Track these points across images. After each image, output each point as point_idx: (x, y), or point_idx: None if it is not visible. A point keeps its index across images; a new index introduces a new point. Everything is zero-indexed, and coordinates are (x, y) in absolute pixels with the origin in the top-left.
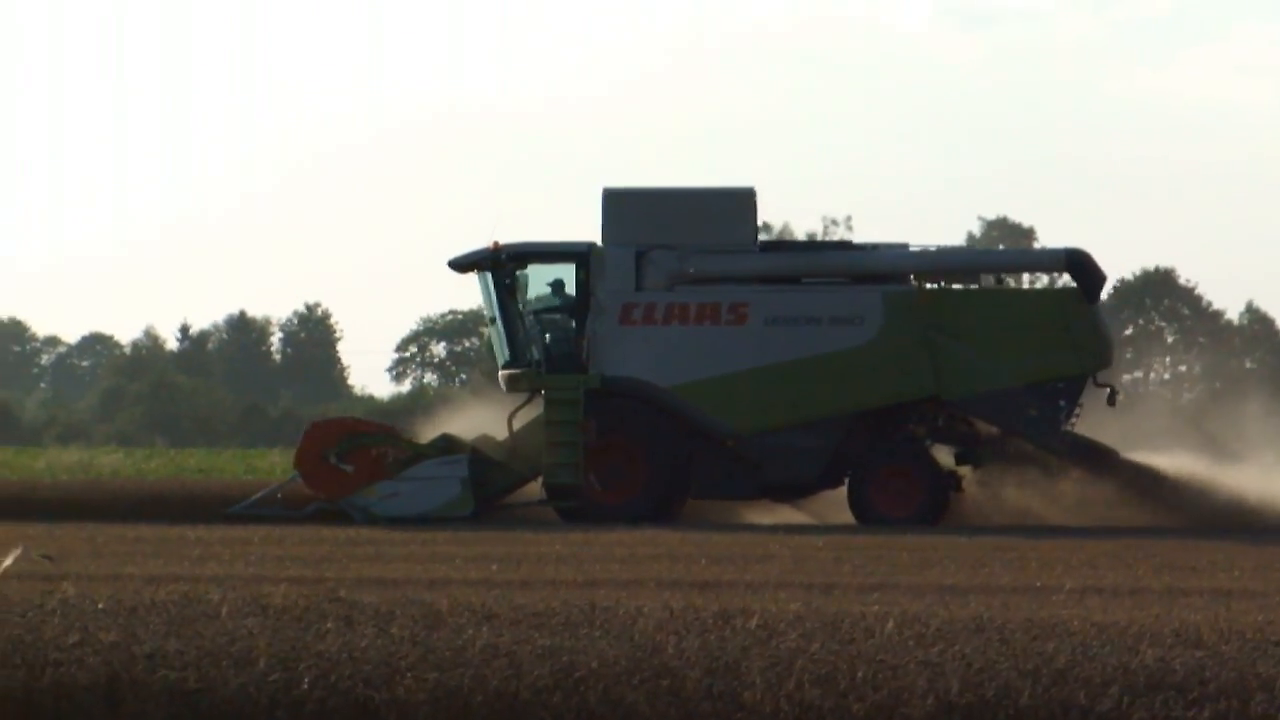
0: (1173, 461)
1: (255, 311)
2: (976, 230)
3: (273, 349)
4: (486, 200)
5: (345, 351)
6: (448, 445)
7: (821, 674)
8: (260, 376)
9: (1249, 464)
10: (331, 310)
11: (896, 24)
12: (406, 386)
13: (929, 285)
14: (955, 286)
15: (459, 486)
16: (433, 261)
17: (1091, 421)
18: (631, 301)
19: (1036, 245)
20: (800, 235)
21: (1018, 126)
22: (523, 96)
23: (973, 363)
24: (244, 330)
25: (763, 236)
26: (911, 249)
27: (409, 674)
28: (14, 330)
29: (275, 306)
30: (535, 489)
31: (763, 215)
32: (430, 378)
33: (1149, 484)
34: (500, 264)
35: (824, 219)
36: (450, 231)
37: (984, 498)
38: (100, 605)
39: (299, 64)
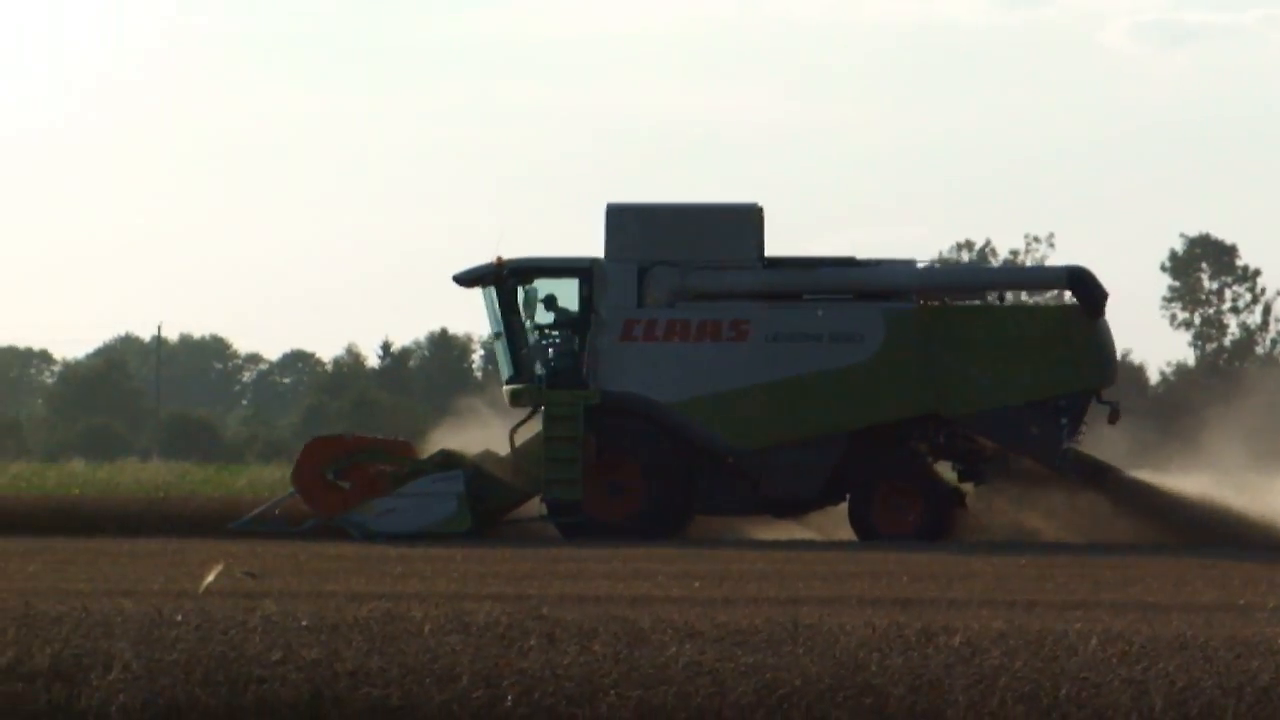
0: (1187, 479)
1: (456, 329)
2: (1179, 247)
3: (474, 366)
4: (499, 214)
5: None
6: (445, 461)
7: (1024, 692)
8: (461, 394)
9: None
10: None
11: (1096, 39)
12: None
13: (931, 302)
14: (956, 303)
15: (455, 502)
16: None
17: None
18: (633, 317)
19: (1239, 263)
20: (1003, 251)
21: (1218, 143)
22: (537, 108)
23: (974, 380)
24: (445, 347)
25: (964, 254)
26: (919, 265)
27: (612, 691)
28: (216, 347)
29: (477, 324)
30: (538, 504)
31: (968, 232)
32: None
33: (1147, 500)
34: (503, 279)
35: (1026, 236)
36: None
37: (985, 514)
38: (303, 622)
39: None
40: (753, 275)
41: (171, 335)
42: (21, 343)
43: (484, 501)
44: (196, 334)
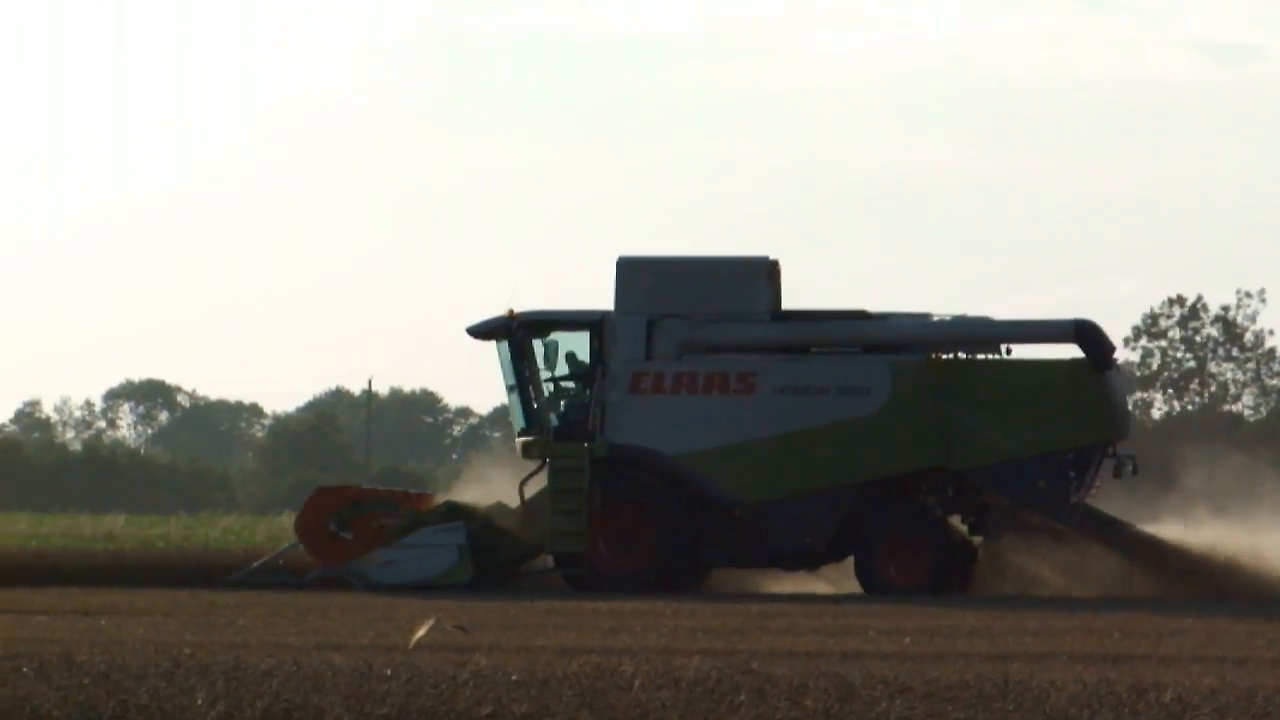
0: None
1: None
2: None
3: None
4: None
5: None
6: (448, 513)
7: None
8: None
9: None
10: None
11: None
12: None
13: (939, 355)
14: (964, 357)
15: (456, 554)
16: None
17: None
18: (641, 370)
19: None
20: (1214, 306)
21: None
22: (561, 160)
23: (982, 433)
24: None
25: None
26: (933, 319)
27: None
28: (426, 402)
29: None
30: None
31: (1179, 287)
32: None
33: (1156, 555)
34: (515, 332)
35: (1238, 291)
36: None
37: (994, 568)
38: (513, 677)
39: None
40: (760, 328)
41: (382, 389)
42: (232, 396)
43: (494, 553)
44: (407, 388)
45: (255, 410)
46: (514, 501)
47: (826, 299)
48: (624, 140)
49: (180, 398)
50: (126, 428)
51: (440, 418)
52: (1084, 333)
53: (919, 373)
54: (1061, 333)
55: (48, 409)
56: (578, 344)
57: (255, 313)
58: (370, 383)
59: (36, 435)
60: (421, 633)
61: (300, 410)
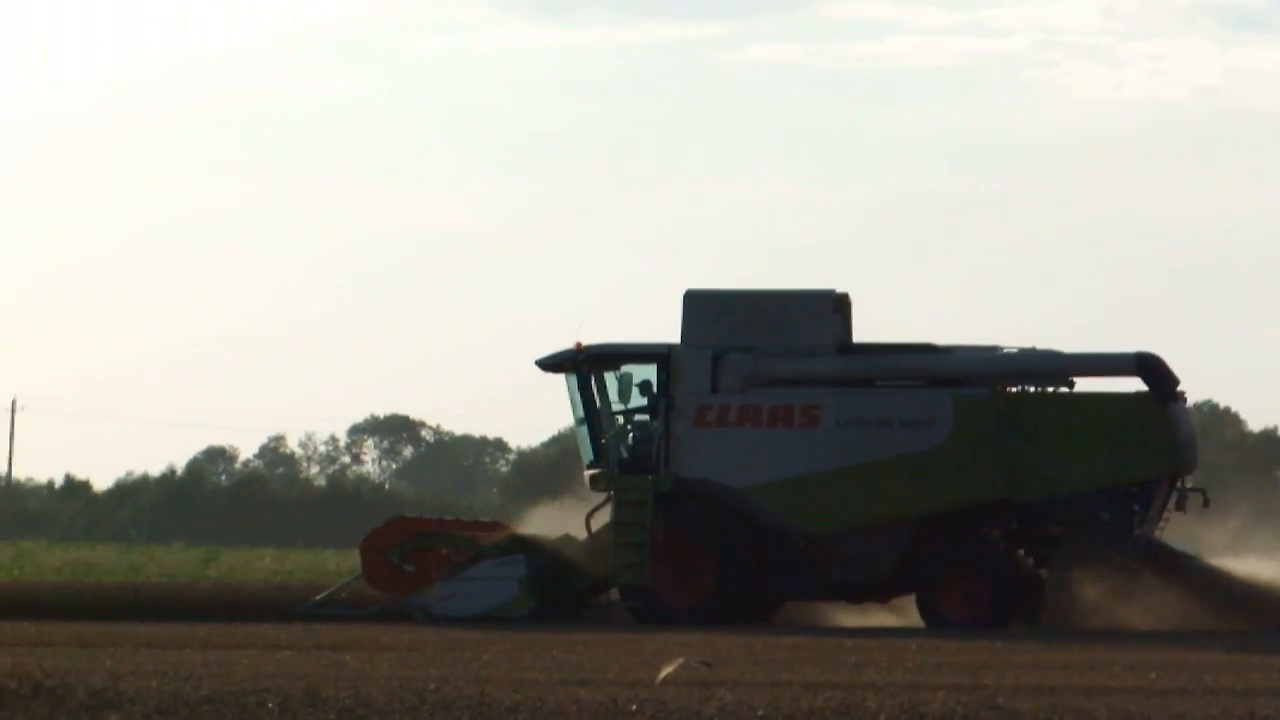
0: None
1: None
2: None
3: None
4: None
5: None
6: (510, 545)
7: None
8: None
9: None
10: None
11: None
12: None
13: (1007, 389)
14: (1028, 390)
15: (516, 587)
16: None
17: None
18: (706, 403)
19: None
20: None
21: None
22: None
23: (1045, 466)
24: None
25: None
26: (1004, 351)
27: None
28: None
29: None
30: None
31: None
32: None
33: (1223, 588)
34: (582, 365)
35: None
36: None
37: (1060, 601)
38: (759, 712)
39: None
40: (825, 361)
41: None
42: (477, 431)
43: (559, 586)
44: None
45: (500, 445)
46: (582, 534)
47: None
48: (855, 177)
49: (424, 433)
50: (371, 463)
51: None
52: (1147, 366)
53: (983, 406)
54: (1125, 366)
55: (292, 444)
56: (645, 377)
57: (500, 348)
58: None
59: (281, 470)
60: (669, 669)
61: (545, 445)
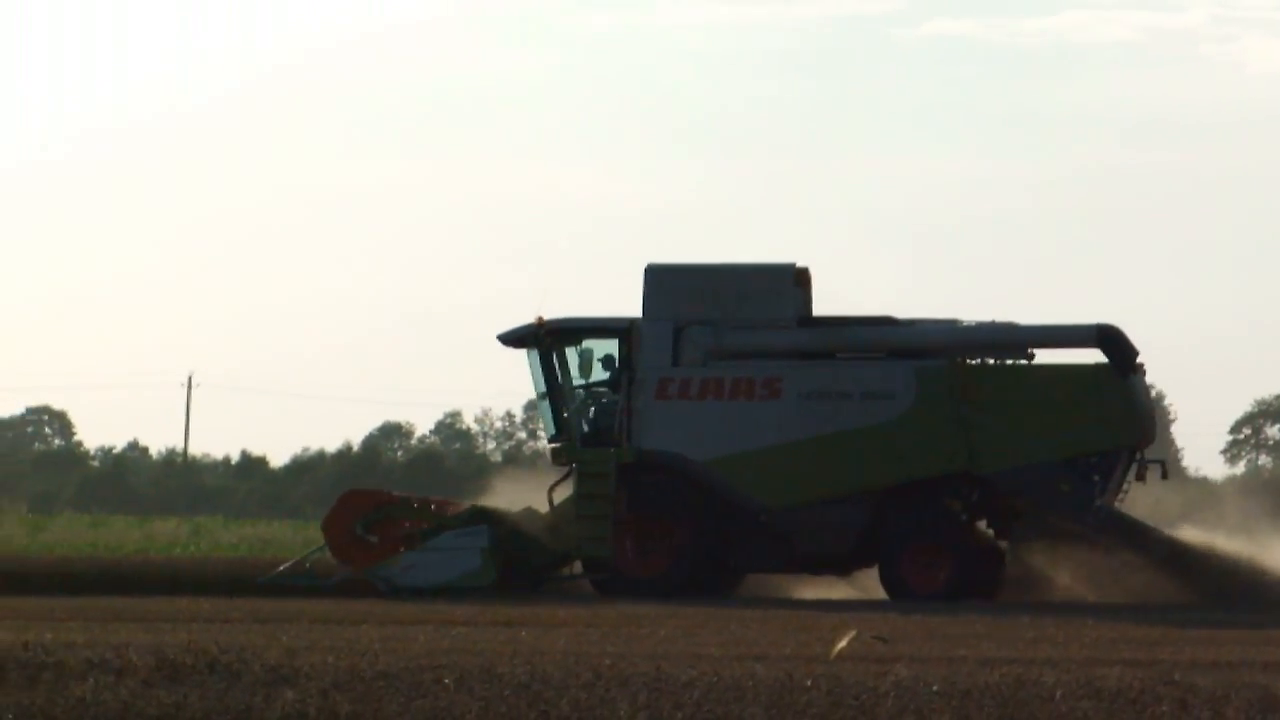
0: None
1: None
2: None
3: None
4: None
5: (1179, 434)
6: (473, 517)
7: None
8: None
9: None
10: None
11: None
12: (1240, 468)
13: (967, 361)
14: (989, 361)
15: (479, 557)
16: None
17: None
18: (668, 376)
19: None
20: None
21: None
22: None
23: (1005, 437)
24: None
25: None
26: (961, 324)
27: None
28: None
29: None
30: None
31: None
32: (1265, 459)
33: (1183, 559)
34: (543, 339)
35: None
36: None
37: (1020, 573)
38: (934, 688)
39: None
40: (786, 334)
41: None
42: None
43: (522, 558)
44: None
45: None
46: (544, 507)
47: None
48: (1030, 152)
49: None
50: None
51: None
52: (1107, 337)
53: (943, 378)
54: (1085, 337)
55: (468, 419)
56: (607, 352)
57: None
58: None
59: (457, 446)
60: (843, 644)
61: None
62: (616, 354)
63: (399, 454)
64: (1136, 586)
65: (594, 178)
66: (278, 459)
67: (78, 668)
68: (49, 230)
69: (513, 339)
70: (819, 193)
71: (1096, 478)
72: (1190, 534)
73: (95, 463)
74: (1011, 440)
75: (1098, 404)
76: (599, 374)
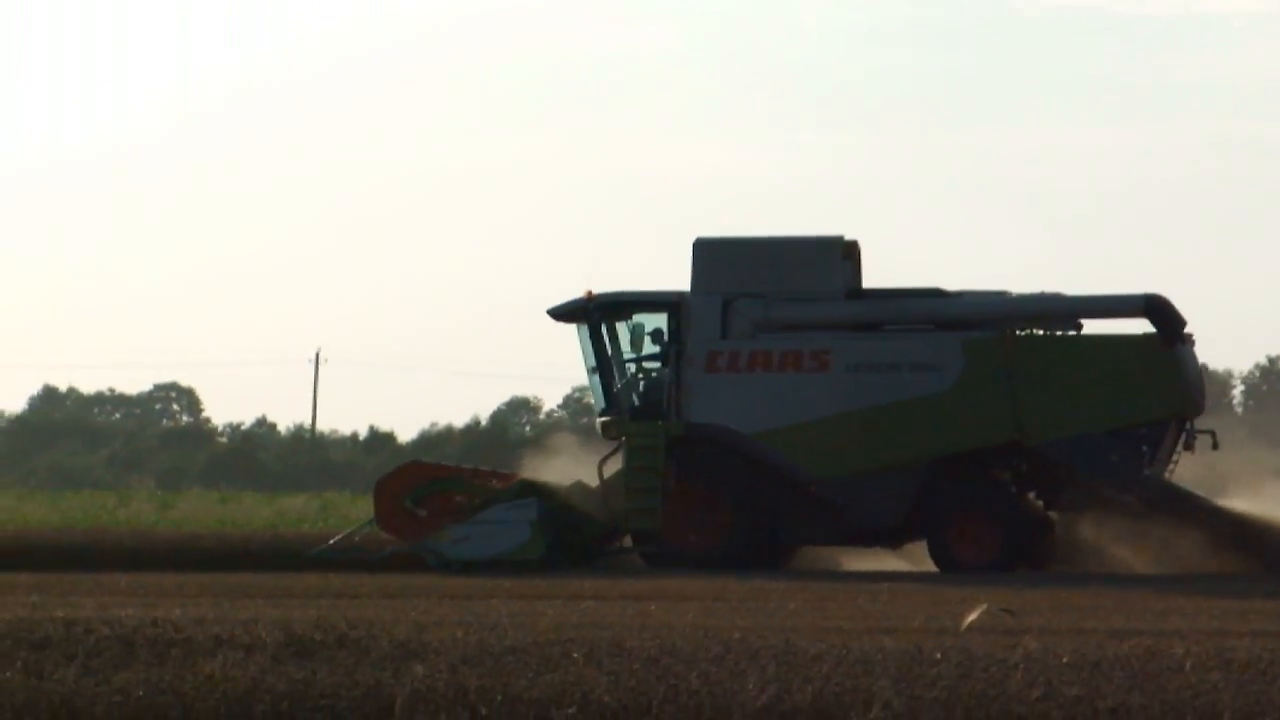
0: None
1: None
2: None
3: (1234, 401)
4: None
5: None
6: (523, 490)
7: None
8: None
9: None
10: None
11: None
12: None
13: (1016, 331)
14: (1037, 332)
15: (528, 530)
16: None
17: None
18: (716, 349)
19: None
20: None
21: None
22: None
23: (1053, 408)
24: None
25: None
26: (1011, 295)
27: None
28: None
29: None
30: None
31: None
32: None
33: (1234, 530)
34: (593, 313)
35: None
36: None
37: (1070, 543)
38: (1064, 659)
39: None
40: (834, 306)
41: None
42: None
43: (572, 531)
44: None
45: None
46: (594, 481)
47: None
48: (1157, 123)
49: None
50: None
51: None
52: (1154, 307)
53: (991, 349)
54: (1133, 307)
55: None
56: (657, 325)
57: None
58: None
59: (585, 420)
60: (973, 616)
61: None
62: (665, 328)
63: (527, 429)
64: (1186, 556)
65: (723, 151)
66: (405, 434)
67: (206, 644)
68: (178, 208)
69: (563, 313)
70: (944, 166)
71: (1145, 448)
72: (1240, 504)
73: (223, 439)
74: (1059, 411)
75: (1145, 374)
76: (649, 348)
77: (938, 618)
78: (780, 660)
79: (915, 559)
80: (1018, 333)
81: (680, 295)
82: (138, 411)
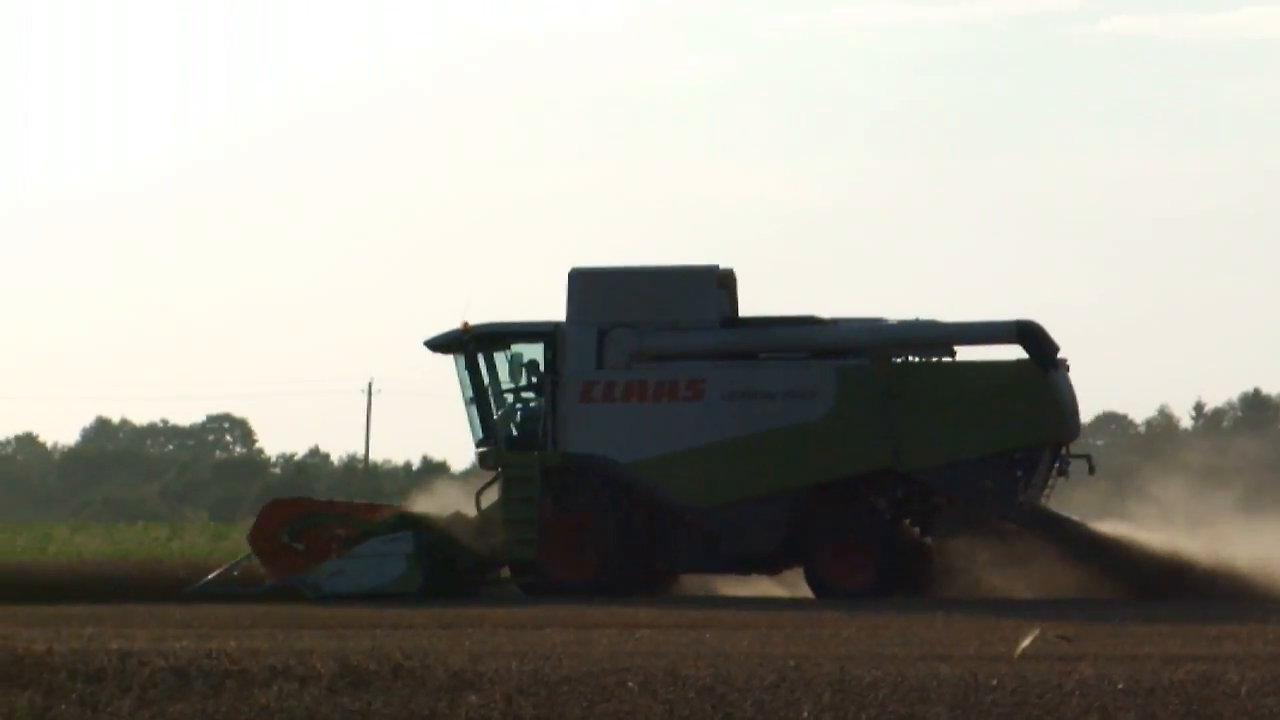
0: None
1: (1270, 389)
2: None
3: None
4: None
5: None
6: (399, 523)
7: None
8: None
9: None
10: None
11: None
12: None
13: (890, 359)
14: (912, 359)
15: (404, 563)
16: None
17: None
18: (592, 379)
19: None
20: None
21: None
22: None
23: (929, 435)
24: (1259, 408)
25: None
26: (886, 322)
27: None
28: None
29: None
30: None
31: None
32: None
33: (1110, 554)
34: (469, 345)
35: None
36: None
37: (947, 569)
38: (1119, 685)
39: None
40: (709, 335)
41: None
42: None
43: (450, 563)
44: None
45: None
46: (473, 512)
47: None
48: (1211, 149)
49: None
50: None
51: None
52: (1026, 333)
53: (865, 376)
54: (1005, 333)
55: None
56: (534, 356)
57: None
58: None
59: None
60: (1026, 642)
61: None
62: (542, 358)
63: None
64: (1062, 581)
65: (773, 179)
66: (458, 464)
67: (261, 675)
68: (230, 239)
69: (439, 344)
70: (996, 192)
71: (1019, 473)
72: (1117, 527)
73: (276, 470)
74: (934, 437)
75: (1019, 400)
76: (526, 379)
77: (991, 644)
78: (835, 688)
79: (794, 586)
80: (893, 360)
81: (555, 326)
82: (191, 443)
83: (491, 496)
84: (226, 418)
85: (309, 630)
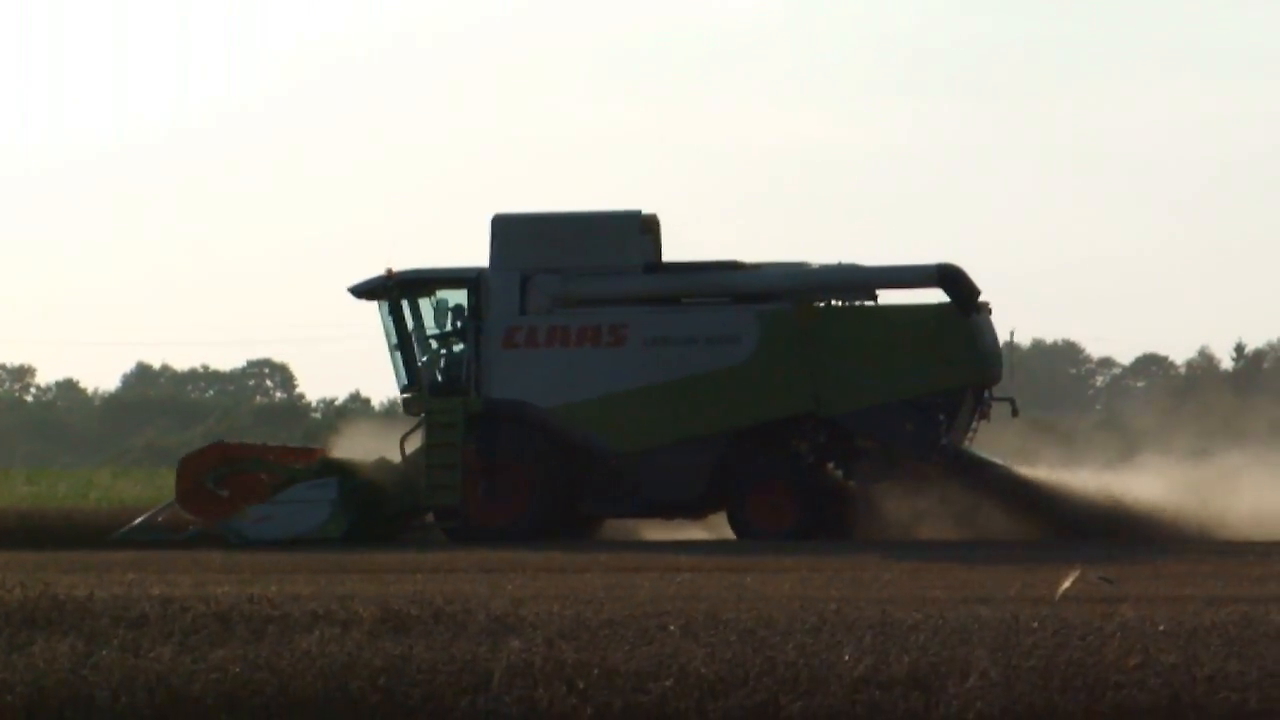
0: (1073, 474)
1: None
2: None
3: None
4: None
5: None
6: (323, 469)
7: None
8: None
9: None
10: None
11: None
12: None
13: (812, 304)
14: (833, 304)
15: (329, 509)
16: None
17: None
18: (515, 325)
19: None
20: None
21: None
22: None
23: (850, 379)
24: None
25: None
26: (808, 266)
27: None
28: (1068, 352)
29: None
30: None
31: None
32: None
33: (1030, 497)
34: (393, 291)
35: None
36: None
37: (870, 513)
38: (1160, 627)
39: None
40: (632, 280)
41: (1024, 340)
42: None
43: (374, 509)
44: (1049, 339)
45: None
46: (397, 458)
47: None
48: (1262, 88)
49: None
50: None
51: (1083, 369)
52: (948, 276)
53: (787, 321)
54: (925, 277)
55: None
56: (459, 301)
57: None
58: (1012, 334)
59: None
60: (1067, 584)
61: None
62: (465, 304)
63: None
64: (984, 524)
65: (819, 120)
66: None
67: (303, 620)
68: (271, 184)
69: (363, 291)
70: (1048, 133)
71: (941, 417)
72: (1043, 471)
73: (317, 415)
74: (856, 381)
75: (940, 343)
76: (452, 324)
77: (1033, 586)
78: (876, 631)
79: (717, 529)
80: (814, 304)
81: (479, 271)
82: (231, 388)
83: (415, 442)
84: (267, 363)
85: (350, 575)
